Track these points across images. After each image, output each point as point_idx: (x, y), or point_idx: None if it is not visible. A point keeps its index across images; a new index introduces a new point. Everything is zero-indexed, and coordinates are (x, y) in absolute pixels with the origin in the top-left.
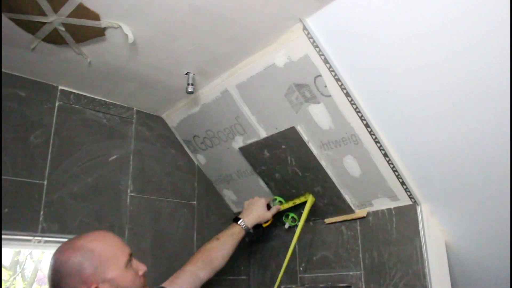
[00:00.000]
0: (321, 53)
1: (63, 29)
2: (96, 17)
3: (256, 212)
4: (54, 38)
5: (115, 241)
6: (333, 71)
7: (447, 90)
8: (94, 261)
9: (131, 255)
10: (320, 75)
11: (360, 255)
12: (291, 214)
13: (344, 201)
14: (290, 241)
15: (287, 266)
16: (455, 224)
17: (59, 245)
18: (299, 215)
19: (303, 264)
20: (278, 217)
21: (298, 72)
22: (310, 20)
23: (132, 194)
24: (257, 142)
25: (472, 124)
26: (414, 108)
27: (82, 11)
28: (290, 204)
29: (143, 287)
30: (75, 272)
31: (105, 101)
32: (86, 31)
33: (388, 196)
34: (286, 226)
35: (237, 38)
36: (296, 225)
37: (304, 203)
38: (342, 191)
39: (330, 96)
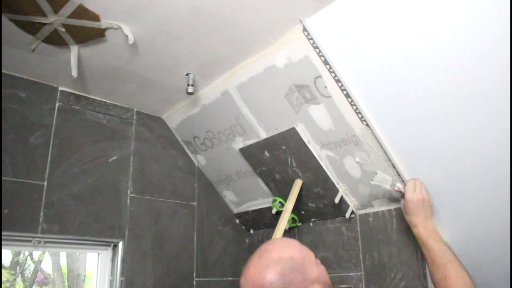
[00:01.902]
0: (321, 54)
1: (63, 30)
2: (96, 18)
3: None
4: (54, 39)
5: (295, 242)
6: (333, 72)
7: (447, 90)
8: (298, 267)
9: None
10: (320, 76)
11: (361, 256)
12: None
13: (344, 202)
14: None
15: None
16: (456, 225)
17: (58, 245)
18: (297, 214)
19: None
20: (277, 217)
21: (298, 73)
22: (310, 21)
23: (132, 195)
24: (257, 143)
25: (472, 124)
26: (414, 108)
27: (82, 12)
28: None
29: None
30: (287, 285)
31: (105, 102)
32: (86, 32)
33: (388, 197)
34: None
35: (237, 39)
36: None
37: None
38: (342, 192)
39: (330, 97)
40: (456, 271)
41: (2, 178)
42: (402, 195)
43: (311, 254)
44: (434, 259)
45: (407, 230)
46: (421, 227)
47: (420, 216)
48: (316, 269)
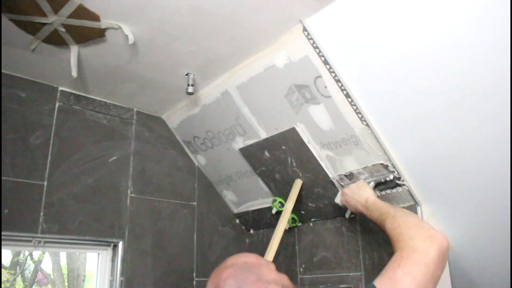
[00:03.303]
0: (321, 54)
1: (63, 30)
2: (96, 18)
3: None
4: (54, 39)
5: (253, 254)
6: (333, 72)
7: (447, 90)
8: (251, 269)
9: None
10: (320, 76)
11: (361, 256)
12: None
13: None
14: (291, 242)
15: (287, 265)
16: (456, 225)
17: (58, 245)
18: (297, 214)
19: (303, 265)
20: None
21: (298, 73)
22: (310, 21)
23: (132, 195)
24: (257, 143)
25: (473, 125)
26: (414, 108)
27: (82, 12)
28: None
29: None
30: (240, 284)
31: (105, 102)
32: (86, 32)
33: (390, 199)
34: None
35: (237, 39)
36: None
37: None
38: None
39: (330, 97)
40: (404, 217)
41: (2, 178)
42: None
43: (270, 264)
44: (383, 218)
45: None
46: (363, 209)
47: (358, 199)
48: (274, 274)
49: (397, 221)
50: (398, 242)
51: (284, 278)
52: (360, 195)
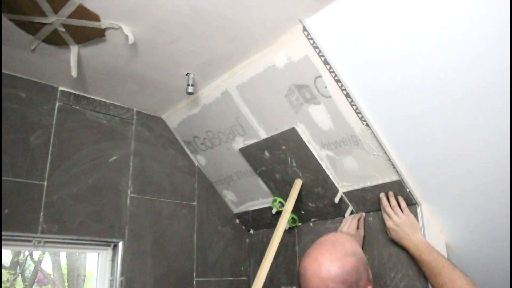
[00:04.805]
0: (321, 54)
1: (63, 30)
2: (96, 18)
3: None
4: (54, 39)
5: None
6: (333, 72)
7: (447, 90)
8: (366, 266)
9: None
10: (320, 76)
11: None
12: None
13: (344, 202)
14: (291, 242)
15: (287, 265)
16: (456, 225)
17: (58, 245)
18: (297, 214)
19: None
20: (277, 217)
21: (298, 73)
22: (310, 21)
23: (132, 195)
24: (257, 143)
25: (473, 125)
26: (414, 108)
27: (82, 12)
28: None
29: None
30: (357, 279)
31: (105, 102)
32: (86, 32)
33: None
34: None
35: (237, 39)
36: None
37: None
38: (342, 191)
39: (330, 97)
40: (449, 277)
41: (2, 178)
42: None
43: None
44: (430, 271)
45: None
46: (411, 246)
47: (406, 236)
48: (371, 273)
49: (448, 274)
50: None
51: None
52: (413, 232)
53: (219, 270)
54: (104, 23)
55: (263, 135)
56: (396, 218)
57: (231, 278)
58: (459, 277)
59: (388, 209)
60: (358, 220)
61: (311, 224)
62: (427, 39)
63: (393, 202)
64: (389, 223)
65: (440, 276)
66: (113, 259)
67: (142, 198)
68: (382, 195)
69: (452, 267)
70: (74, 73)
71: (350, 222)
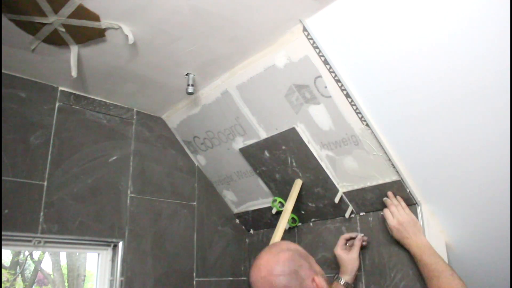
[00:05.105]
0: (321, 54)
1: (63, 30)
2: (96, 18)
3: (344, 265)
4: (54, 39)
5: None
6: (333, 72)
7: (447, 90)
8: (304, 256)
9: None
10: (320, 76)
11: (360, 256)
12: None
13: (344, 201)
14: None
15: None
16: (456, 225)
17: (58, 245)
18: (297, 214)
19: None
20: (277, 217)
21: (298, 73)
22: (310, 21)
23: (132, 195)
24: (257, 143)
25: (473, 125)
26: (414, 108)
27: (82, 12)
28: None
29: None
30: (297, 268)
31: (105, 102)
32: (86, 32)
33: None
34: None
35: (237, 39)
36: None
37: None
38: (342, 191)
39: (330, 97)
40: (447, 282)
41: (2, 178)
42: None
43: (312, 257)
44: (429, 273)
45: None
46: (413, 246)
47: (409, 236)
48: (318, 266)
49: (447, 279)
50: None
51: (322, 272)
52: (415, 232)
53: (219, 270)
54: (104, 23)
55: (263, 135)
56: (400, 217)
57: (231, 278)
58: (457, 284)
59: (393, 207)
60: (353, 239)
61: (311, 224)
62: (427, 39)
63: (396, 201)
64: (393, 222)
65: (439, 280)
66: (113, 259)
67: (142, 198)
68: (390, 193)
69: (451, 272)
70: (74, 73)
71: (339, 241)
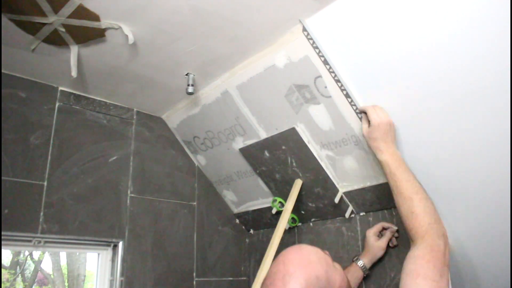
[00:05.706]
0: (321, 54)
1: (63, 30)
2: (96, 18)
3: (368, 249)
4: (54, 39)
5: (313, 253)
6: (333, 72)
7: (448, 90)
8: (324, 285)
9: None
10: (320, 76)
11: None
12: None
13: (344, 201)
14: (291, 242)
15: None
16: (456, 225)
17: (58, 245)
18: (297, 214)
19: None
20: (277, 217)
21: (298, 73)
22: (309, 21)
23: (132, 195)
24: (257, 143)
25: (473, 125)
26: (414, 108)
27: (82, 12)
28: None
29: None
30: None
31: (105, 102)
32: (87, 32)
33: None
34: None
35: (237, 39)
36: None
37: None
38: (342, 191)
39: (330, 97)
40: (423, 207)
41: (2, 178)
42: (366, 121)
43: (328, 259)
44: (402, 191)
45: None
46: (389, 153)
47: (387, 141)
48: (337, 277)
49: (422, 203)
50: (422, 229)
51: (341, 273)
52: (392, 140)
53: (219, 270)
54: (104, 23)
55: (263, 135)
56: (384, 117)
57: (231, 278)
58: (431, 211)
59: (374, 106)
60: (386, 229)
61: (311, 224)
62: (427, 39)
63: (378, 106)
64: (376, 120)
65: (412, 201)
66: (113, 259)
67: (142, 198)
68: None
69: (426, 196)
70: (74, 73)
71: (376, 225)
